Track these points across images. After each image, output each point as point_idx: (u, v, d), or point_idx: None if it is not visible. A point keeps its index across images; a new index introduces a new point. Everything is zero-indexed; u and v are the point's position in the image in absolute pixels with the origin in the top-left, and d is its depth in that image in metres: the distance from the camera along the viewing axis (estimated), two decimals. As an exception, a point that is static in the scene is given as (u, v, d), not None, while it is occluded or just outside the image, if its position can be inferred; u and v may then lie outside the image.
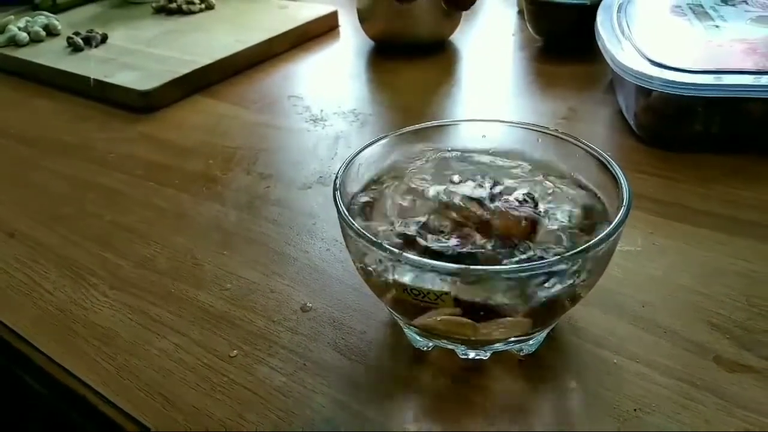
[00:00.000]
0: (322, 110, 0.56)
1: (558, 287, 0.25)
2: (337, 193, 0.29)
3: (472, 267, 0.24)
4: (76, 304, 0.36)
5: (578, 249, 0.25)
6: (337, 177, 0.30)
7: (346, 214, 0.27)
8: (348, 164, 0.31)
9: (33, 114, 0.61)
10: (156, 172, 0.49)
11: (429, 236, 0.28)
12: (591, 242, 0.25)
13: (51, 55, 0.68)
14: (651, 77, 0.43)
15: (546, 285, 0.25)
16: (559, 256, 0.24)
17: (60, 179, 0.49)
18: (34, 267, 0.39)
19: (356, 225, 0.27)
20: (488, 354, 0.29)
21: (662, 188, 0.42)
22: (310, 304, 0.34)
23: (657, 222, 0.39)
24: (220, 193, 0.45)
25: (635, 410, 0.27)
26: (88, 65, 0.65)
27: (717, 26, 0.49)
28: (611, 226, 0.26)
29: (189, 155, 0.51)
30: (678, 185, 0.42)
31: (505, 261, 0.26)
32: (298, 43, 0.71)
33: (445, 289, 0.25)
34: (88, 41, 0.70)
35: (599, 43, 0.51)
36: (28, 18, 0.76)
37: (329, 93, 0.60)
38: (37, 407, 0.34)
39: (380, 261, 0.26)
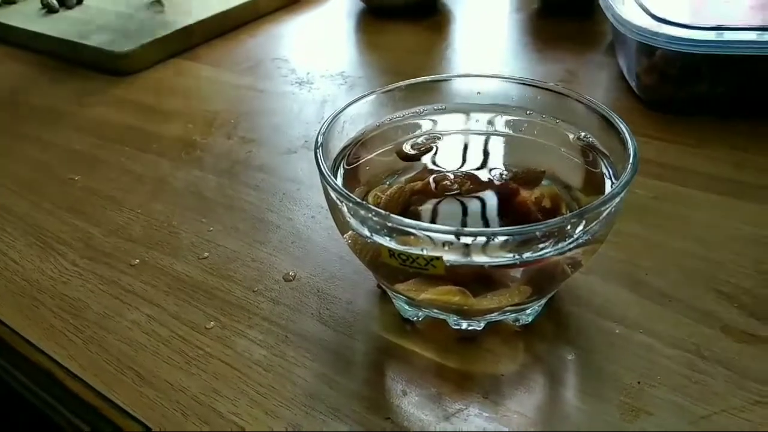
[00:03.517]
0: (308, 73, 0.54)
1: (558, 251, 0.23)
2: (319, 152, 0.26)
3: (466, 229, 0.22)
4: (43, 273, 0.33)
5: (581, 210, 0.23)
6: (319, 134, 0.27)
7: (328, 173, 0.25)
8: (331, 122, 0.29)
9: (4, 77, 0.58)
10: (133, 136, 0.46)
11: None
12: (595, 202, 0.23)
13: (24, 17, 0.65)
14: (655, 34, 0.41)
15: (546, 249, 0.23)
16: (561, 217, 0.22)
17: (31, 144, 0.46)
18: (0, 235, 0.37)
19: (338, 185, 0.25)
20: (482, 325, 0.27)
21: (666, 152, 0.40)
22: (293, 273, 0.32)
23: (660, 186, 0.37)
24: (200, 159, 0.43)
25: (639, 383, 0.25)
26: (63, 27, 0.61)
27: (725, -19, 0.47)
28: (617, 185, 0.24)
29: (168, 119, 0.48)
30: (682, 149, 0.40)
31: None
32: (284, 4, 0.68)
33: (436, 253, 0.23)
34: (62, 2, 0.66)
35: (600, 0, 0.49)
36: (-1, -22, 0.72)
37: (316, 55, 0.58)
38: (1, 381, 0.32)
39: (363, 222, 0.24)
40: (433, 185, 0.28)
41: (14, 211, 0.39)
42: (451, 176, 0.28)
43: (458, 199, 0.27)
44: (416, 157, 0.30)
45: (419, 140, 0.30)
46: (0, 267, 0.34)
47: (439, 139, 0.31)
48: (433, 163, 0.30)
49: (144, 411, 0.26)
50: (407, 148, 0.30)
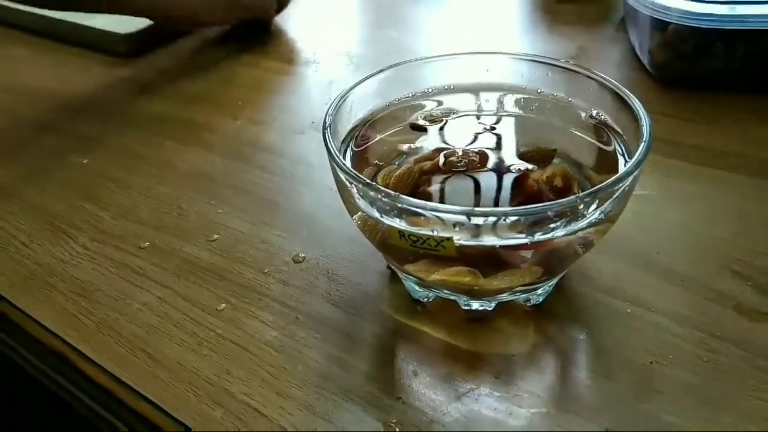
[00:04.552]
0: (314, 53, 0.53)
1: (570, 231, 0.23)
2: (327, 132, 0.26)
3: (477, 209, 0.22)
4: (54, 257, 0.34)
5: (594, 188, 0.22)
6: (327, 115, 0.27)
7: (337, 154, 0.25)
8: (339, 102, 0.28)
9: (10, 62, 0.58)
10: (139, 119, 0.46)
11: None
12: (608, 181, 0.22)
13: None
14: (668, 8, 0.40)
15: (558, 229, 0.23)
16: (573, 197, 0.22)
17: (38, 128, 0.46)
18: (9, 219, 0.37)
19: (347, 166, 0.24)
20: (493, 305, 0.27)
21: (679, 129, 0.39)
22: (303, 255, 0.32)
23: (673, 165, 0.36)
24: (207, 140, 0.43)
25: (651, 362, 0.25)
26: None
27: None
28: (631, 164, 0.23)
29: (173, 101, 0.48)
30: (695, 126, 0.39)
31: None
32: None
33: (447, 234, 0.23)
34: None
35: (612, -25, 0.48)
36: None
37: (322, 35, 0.57)
38: (13, 365, 0.33)
39: (373, 203, 0.24)
40: (442, 160, 0.27)
41: (23, 195, 0.39)
42: (460, 152, 0.28)
43: (468, 175, 0.27)
44: (427, 129, 0.29)
45: (433, 113, 0.30)
46: (11, 251, 0.34)
47: (453, 113, 0.30)
48: (443, 142, 0.30)
49: (157, 392, 0.26)
50: (419, 119, 0.30)
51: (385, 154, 0.29)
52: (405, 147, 0.29)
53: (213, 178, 0.39)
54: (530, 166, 0.27)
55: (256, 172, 0.39)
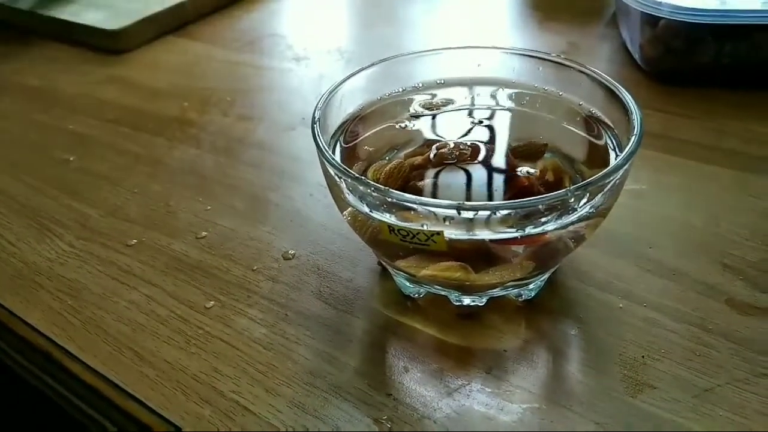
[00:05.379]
0: (305, 49, 0.53)
1: (561, 225, 0.23)
2: (317, 127, 0.26)
3: (467, 203, 0.22)
4: (40, 255, 0.33)
5: (585, 182, 0.22)
6: (316, 110, 0.27)
7: (326, 149, 0.25)
8: (329, 97, 0.28)
9: (-4, 58, 0.57)
10: (127, 116, 0.45)
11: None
12: (599, 174, 0.22)
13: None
14: (659, 4, 0.40)
15: (549, 223, 0.23)
16: (563, 190, 0.22)
17: (25, 125, 0.46)
18: (-5, 217, 0.36)
19: (337, 161, 0.24)
20: (484, 300, 0.27)
21: (670, 124, 0.39)
22: (293, 252, 0.32)
23: (665, 159, 0.36)
24: (196, 137, 0.42)
25: (643, 357, 0.25)
26: (55, 5, 0.60)
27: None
28: (621, 157, 0.23)
29: (163, 98, 0.47)
30: (687, 121, 0.39)
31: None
32: (279, -20, 0.66)
33: (437, 228, 0.23)
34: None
35: (602, -30, 0.48)
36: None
37: (313, 30, 0.57)
38: (0, 365, 0.32)
39: (363, 199, 0.24)
40: (433, 153, 0.27)
41: (9, 193, 0.38)
42: (452, 144, 0.27)
43: (459, 168, 0.27)
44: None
45: (433, 101, 0.30)
46: (-4, 249, 0.34)
47: (451, 102, 0.30)
48: (434, 135, 0.29)
49: (144, 391, 0.25)
50: (417, 107, 0.29)
51: (375, 150, 0.29)
52: (397, 131, 0.29)
53: (202, 175, 0.38)
54: (531, 170, 0.27)
55: (246, 169, 0.39)
